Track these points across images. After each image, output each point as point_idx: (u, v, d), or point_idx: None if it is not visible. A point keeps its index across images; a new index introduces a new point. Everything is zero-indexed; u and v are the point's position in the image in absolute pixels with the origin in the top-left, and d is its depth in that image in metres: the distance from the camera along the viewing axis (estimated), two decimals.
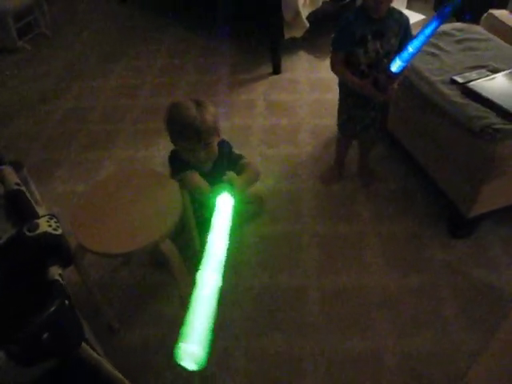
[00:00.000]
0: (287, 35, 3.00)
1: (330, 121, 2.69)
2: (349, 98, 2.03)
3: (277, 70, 3.19)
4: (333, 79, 3.04)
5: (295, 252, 2.02)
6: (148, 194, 1.62)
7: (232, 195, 1.30)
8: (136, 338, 1.76)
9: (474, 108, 1.83)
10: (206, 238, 1.94)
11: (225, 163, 1.80)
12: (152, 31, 3.94)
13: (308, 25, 2.97)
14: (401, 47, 1.79)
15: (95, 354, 1.01)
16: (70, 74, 3.43)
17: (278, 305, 1.82)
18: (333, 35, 1.87)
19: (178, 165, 1.74)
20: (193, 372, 0.89)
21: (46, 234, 1.04)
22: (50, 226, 1.06)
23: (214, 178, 1.77)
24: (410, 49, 1.66)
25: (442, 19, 1.59)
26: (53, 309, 0.87)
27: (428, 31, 1.62)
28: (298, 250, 2.03)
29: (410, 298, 1.82)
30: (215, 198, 1.28)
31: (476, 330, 1.70)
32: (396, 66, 1.72)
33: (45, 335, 0.84)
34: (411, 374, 1.59)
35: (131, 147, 2.68)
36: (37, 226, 1.05)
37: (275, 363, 1.65)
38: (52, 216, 1.11)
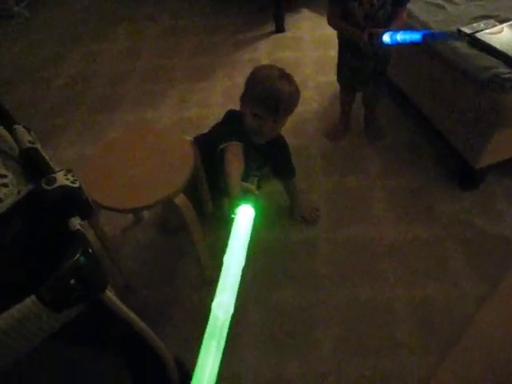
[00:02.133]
0: None
1: (334, 77, 2.65)
2: (347, 50, 2.01)
3: (280, 29, 3.15)
4: (336, 36, 3.02)
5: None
6: (159, 151, 1.63)
7: (254, 207, 1.24)
8: (152, 294, 1.80)
9: (482, 58, 1.82)
10: (219, 200, 1.96)
11: (274, 153, 1.78)
12: None
13: None
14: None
15: (118, 301, 1.05)
16: (69, 39, 3.39)
17: (290, 258, 1.86)
18: None
19: (230, 129, 1.65)
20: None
21: (64, 186, 1.06)
22: (67, 179, 1.08)
23: (259, 156, 1.75)
24: (400, 36, 1.67)
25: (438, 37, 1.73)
26: (78, 255, 0.90)
27: (419, 36, 1.64)
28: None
29: (418, 249, 1.86)
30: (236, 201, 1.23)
31: (483, 280, 1.74)
32: (386, 38, 1.71)
33: (72, 281, 0.87)
34: (421, 321, 1.64)
35: (138, 109, 2.67)
36: (54, 180, 1.07)
37: (289, 315, 1.69)
38: (69, 170, 1.12)
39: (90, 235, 1.62)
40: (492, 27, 1.97)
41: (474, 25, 2.00)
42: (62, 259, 0.89)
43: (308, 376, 1.53)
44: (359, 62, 2.01)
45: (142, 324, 1.14)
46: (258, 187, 1.45)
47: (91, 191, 1.47)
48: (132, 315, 1.09)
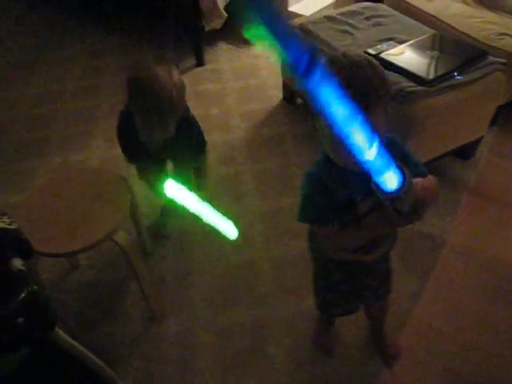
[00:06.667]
0: (207, 27, 3.06)
1: (257, 105, 2.80)
2: (334, 271, 1.32)
3: (200, 62, 3.25)
4: (255, 66, 3.17)
5: (242, 229, 2.09)
6: (92, 191, 1.63)
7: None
8: (98, 336, 1.76)
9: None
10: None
11: (181, 141, 1.69)
12: (65, 35, 3.84)
13: (226, 15, 3.05)
14: None
15: (68, 338, 1.04)
16: None
17: (231, 280, 1.91)
18: (300, 205, 1.13)
19: (126, 138, 1.72)
20: None
21: (1, 229, 1.05)
22: (3, 221, 1.07)
23: (165, 152, 1.77)
24: None
25: None
26: (23, 295, 0.90)
27: None
28: (244, 228, 2.10)
29: None
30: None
31: (413, 274, 1.87)
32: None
33: (19, 320, 0.87)
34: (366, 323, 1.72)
35: (63, 153, 2.63)
36: None
37: (239, 335, 1.72)
38: (3, 213, 1.11)
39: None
40: (393, 48, 2.18)
41: (378, 46, 2.21)
42: (8, 300, 0.89)
43: None
44: (356, 284, 1.35)
45: (95, 359, 1.13)
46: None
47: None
48: (85, 351, 1.08)
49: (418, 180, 0.87)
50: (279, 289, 1.86)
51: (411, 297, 1.79)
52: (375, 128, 0.89)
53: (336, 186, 1.05)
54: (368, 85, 0.91)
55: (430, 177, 1.01)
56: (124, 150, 1.80)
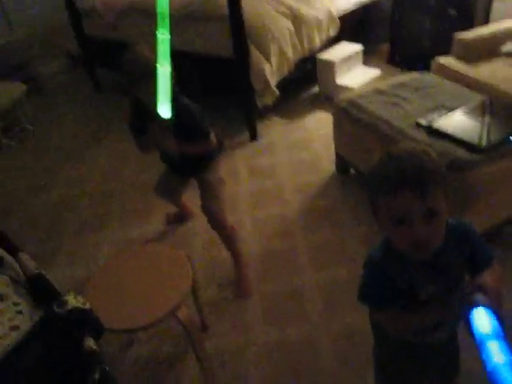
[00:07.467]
0: (260, 104, 3.21)
1: (310, 177, 2.85)
2: (397, 351, 1.26)
3: (254, 137, 3.38)
4: (306, 138, 3.26)
5: (299, 304, 2.09)
6: (156, 268, 1.70)
7: None
8: None
9: (440, 145, 2.01)
10: None
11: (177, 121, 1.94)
12: None
13: (278, 92, 3.20)
14: (473, 265, 1.09)
15: None
16: (54, 165, 3.53)
17: (291, 357, 1.87)
18: (360, 285, 1.12)
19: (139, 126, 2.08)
20: None
21: (75, 309, 1.11)
22: (78, 301, 1.13)
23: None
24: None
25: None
26: (97, 375, 0.94)
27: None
28: (301, 302, 2.09)
29: None
30: None
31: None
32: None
33: None
34: None
35: (124, 228, 2.75)
36: (66, 303, 1.12)
37: None
38: (78, 293, 1.18)
39: None
40: (444, 116, 2.20)
41: (429, 116, 2.23)
42: (84, 380, 0.93)
43: None
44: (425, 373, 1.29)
45: None
46: None
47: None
48: None
49: (488, 287, 0.96)
50: (341, 365, 1.81)
51: (482, 378, 1.68)
52: (438, 212, 0.96)
53: (396, 273, 1.06)
54: (423, 170, 0.95)
55: (496, 267, 1.06)
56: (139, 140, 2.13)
